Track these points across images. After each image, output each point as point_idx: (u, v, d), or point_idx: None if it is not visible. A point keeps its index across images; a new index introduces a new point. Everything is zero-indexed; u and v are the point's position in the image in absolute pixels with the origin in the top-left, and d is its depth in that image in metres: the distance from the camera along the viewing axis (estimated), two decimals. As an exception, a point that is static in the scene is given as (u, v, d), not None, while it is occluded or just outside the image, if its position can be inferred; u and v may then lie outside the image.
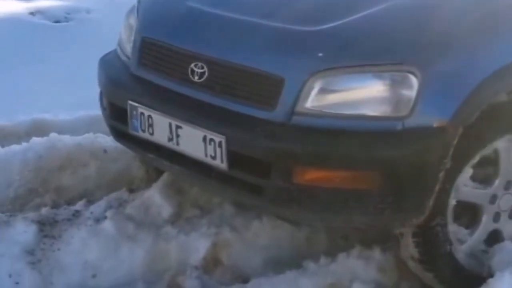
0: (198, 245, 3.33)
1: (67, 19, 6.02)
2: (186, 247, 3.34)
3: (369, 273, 3.15)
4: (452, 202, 2.99)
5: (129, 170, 3.86)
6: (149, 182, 3.77)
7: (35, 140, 3.91)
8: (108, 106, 3.41)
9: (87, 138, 3.92)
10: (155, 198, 3.56)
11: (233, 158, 2.94)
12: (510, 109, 3.00)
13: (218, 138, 2.94)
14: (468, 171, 2.99)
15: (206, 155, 2.99)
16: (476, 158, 2.98)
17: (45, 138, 3.92)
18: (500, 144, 3.00)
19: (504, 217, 3.12)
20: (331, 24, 2.96)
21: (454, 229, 3.04)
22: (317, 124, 2.84)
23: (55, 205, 3.68)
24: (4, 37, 5.54)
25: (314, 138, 2.83)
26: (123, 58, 3.43)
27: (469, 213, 3.10)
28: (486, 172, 3.05)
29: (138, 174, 3.85)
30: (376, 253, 3.21)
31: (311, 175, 2.83)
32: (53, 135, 3.95)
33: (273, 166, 2.85)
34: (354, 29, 2.95)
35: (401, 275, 3.16)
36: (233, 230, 3.40)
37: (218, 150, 2.95)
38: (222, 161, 2.96)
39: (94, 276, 3.25)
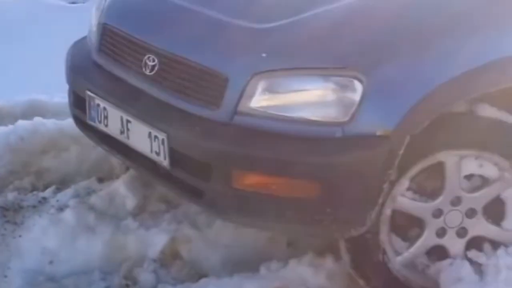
0: (157, 239, 3.25)
1: (84, 0, 6.04)
2: (145, 240, 3.26)
3: (317, 280, 3.01)
4: (387, 211, 2.80)
5: (108, 157, 3.79)
6: (126, 171, 3.71)
7: (20, 123, 3.90)
8: (70, 93, 3.35)
9: (70, 123, 3.86)
10: (121, 189, 3.49)
11: (175, 157, 2.82)
12: (463, 121, 2.79)
13: (161, 135, 2.83)
14: (405, 182, 2.78)
15: (151, 151, 2.90)
16: (416, 169, 2.77)
17: (29, 121, 3.90)
18: (445, 157, 2.79)
19: (451, 234, 2.90)
20: (277, 23, 2.80)
21: (387, 239, 2.85)
22: (258, 126, 2.69)
23: (34, 189, 3.68)
24: (20, 16, 5.58)
25: (253, 140, 2.68)
26: (89, 44, 3.35)
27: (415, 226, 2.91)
28: (429, 185, 2.84)
29: (117, 162, 3.79)
30: (328, 261, 3.06)
31: (250, 180, 2.68)
32: (37, 119, 3.93)
33: (212, 168, 2.72)
34: (300, 30, 2.78)
35: (351, 283, 3.00)
36: (194, 227, 3.30)
37: (161, 147, 2.84)
38: (165, 159, 2.85)
39: (51, 262, 3.21)
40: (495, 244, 2.95)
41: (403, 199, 2.82)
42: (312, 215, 2.67)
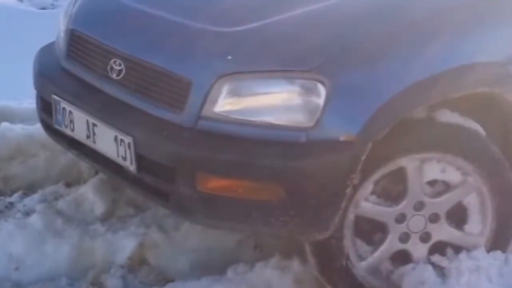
0: (125, 244, 3.24)
1: (53, 6, 6.01)
2: (112, 245, 3.25)
3: (284, 283, 3.00)
4: (350, 216, 2.81)
5: (77, 162, 3.78)
6: (95, 175, 3.69)
7: (-13, 129, 3.88)
8: (38, 98, 3.33)
9: (38, 128, 3.84)
10: (89, 194, 3.47)
11: (141, 161, 2.81)
12: (422, 127, 2.80)
13: (127, 138, 2.82)
14: (368, 186, 2.79)
15: (118, 156, 2.88)
16: (378, 174, 2.78)
17: (-4, 127, 3.88)
18: (406, 162, 2.79)
19: (414, 239, 2.91)
20: (244, 27, 2.80)
21: (351, 244, 2.85)
22: (222, 130, 2.68)
23: (0, 194, 3.65)
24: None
25: (217, 144, 2.68)
26: (57, 49, 3.34)
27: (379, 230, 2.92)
28: (393, 190, 2.85)
29: (86, 167, 3.77)
30: (295, 264, 3.05)
31: (214, 184, 2.68)
32: (4, 124, 3.90)
33: (177, 172, 2.71)
34: (265, 33, 2.78)
35: (319, 287, 2.99)
36: (162, 231, 3.29)
37: (127, 151, 2.83)
38: (131, 163, 2.84)
39: (17, 269, 3.18)
40: (458, 248, 2.97)
41: (366, 204, 2.82)
42: (277, 218, 2.67)
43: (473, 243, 2.97)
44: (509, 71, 2.89)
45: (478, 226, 2.97)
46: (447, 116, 2.84)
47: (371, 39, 2.74)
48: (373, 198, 2.83)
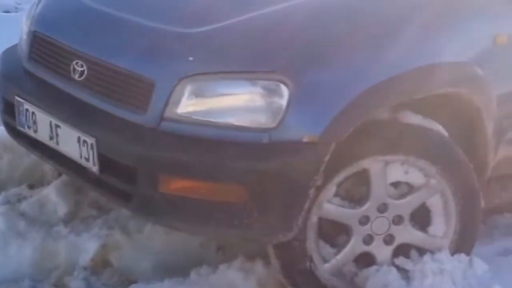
0: (88, 246, 3.20)
1: (17, 9, 5.93)
2: (75, 247, 3.21)
3: (247, 285, 2.98)
4: (314, 218, 2.78)
5: (40, 164, 3.73)
6: (58, 177, 3.65)
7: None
8: (0, 100, 3.28)
9: (1, 130, 3.78)
10: (52, 196, 3.43)
11: (104, 161, 2.78)
12: (385, 129, 2.79)
13: (90, 140, 2.79)
14: (331, 188, 2.77)
15: (81, 157, 2.85)
16: (341, 176, 2.77)
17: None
18: (369, 164, 2.78)
19: (378, 241, 2.89)
20: (206, 28, 2.79)
21: (314, 246, 2.83)
22: (185, 131, 2.66)
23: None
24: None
25: (179, 146, 2.65)
26: (20, 51, 3.30)
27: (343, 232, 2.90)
28: (357, 191, 2.84)
29: (49, 169, 3.73)
30: (258, 266, 3.03)
31: (177, 185, 2.65)
32: (-33, 126, 3.84)
33: (140, 173, 2.68)
34: (228, 34, 2.76)
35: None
36: (125, 233, 3.25)
37: (90, 152, 2.80)
38: (94, 164, 2.81)
39: (-20, 271, 3.15)
40: (422, 251, 2.96)
41: (330, 206, 2.80)
42: (240, 220, 2.64)
43: (437, 245, 2.97)
44: (474, 72, 2.90)
45: (441, 228, 2.97)
46: (410, 118, 2.83)
47: (334, 40, 2.73)
48: (336, 200, 2.81)
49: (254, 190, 2.61)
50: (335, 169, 2.72)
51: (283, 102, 2.61)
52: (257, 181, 2.60)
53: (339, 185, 2.79)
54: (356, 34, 2.75)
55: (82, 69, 2.91)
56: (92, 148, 2.78)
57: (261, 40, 2.74)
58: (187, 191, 2.65)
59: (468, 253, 3.01)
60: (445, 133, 2.90)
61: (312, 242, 2.82)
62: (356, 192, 2.84)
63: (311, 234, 2.81)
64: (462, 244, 3.00)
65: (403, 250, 2.96)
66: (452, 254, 2.97)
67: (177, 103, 2.68)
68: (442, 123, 2.93)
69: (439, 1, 2.93)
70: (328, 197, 2.78)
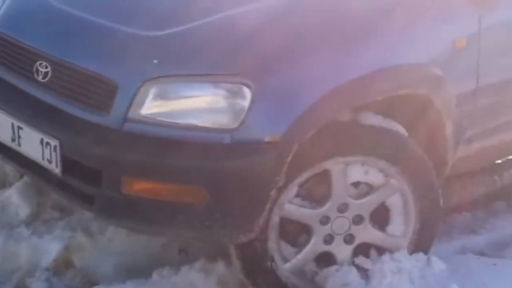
0: (50, 248, 3.18)
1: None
2: (37, 249, 3.19)
3: (209, 286, 2.98)
4: (275, 218, 2.80)
5: (2, 166, 3.69)
6: (20, 178, 3.61)
7: None
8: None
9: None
10: (14, 197, 3.40)
11: (67, 163, 2.76)
12: (346, 130, 2.81)
13: (53, 141, 2.77)
14: (293, 189, 2.79)
15: (43, 159, 2.83)
16: (303, 177, 2.78)
17: None
18: (331, 165, 2.81)
19: (338, 240, 2.92)
20: (170, 31, 2.78)
21: (276, 246, 2.84)
22: (149, 133, 2.65)
23: None
24: None
25: (141, 147, 2.64)
26: None
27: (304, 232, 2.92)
28: (317, 192, 2.86)
29: (11, 170, 3.69)
30: (220, 266, 3.03)
31: (140, 186, 2.65)
32: None
33: (103, 174, 2.67)
34: (192, 37, 2.77)
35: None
36: (87, 234, 3.24)
37: (53, 154, 2.78)
38: (56, 166, 2.79)
39: None
40: (381, 250, 2.99)
41: (291, 206, 2.81)
42: (202, 220, 2.65)
43: (395, 244, 3.00)
44: (434, 73, 2.94)
45: (400, 227, 3.00)
46: (371, 119, 2.86)
47: (296, 43, 2.74)
48: (297, 200, 2.83)
49: (215, 191, 2.62)
50: (296, 170, 2.73)
51: (246, 103, 2.62)
52: (219, 182, 2.61)
53: (301, 186, 2.81)
54: (319, 37, 2.77)
55: (46, 70, 2.89)
56: (55, 150, 2.77)
57: (224, 43, 2.75)
58: (149, 192, 2.65)
59: (426, 252, 3.04)
60: (405, 134, 2.94)
61: (273, 242, 2.83)
62: (317, 192, 2.86)
63: (273, 234, 2.82)
64: (421, 243, 3.03)
65: (363, 249, 2.99)
66: (411, 253, 3.00)
67: (141, 104, 2.68)
68: (402, 123, 2.96)
69: (399, 5, 2.97)
70: (289, 198, 2.80)
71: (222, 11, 2.84)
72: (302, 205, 2.84)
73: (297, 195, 2.82)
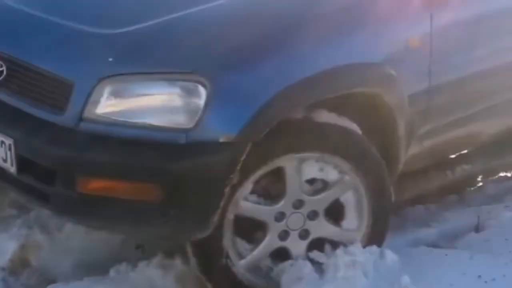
0: (7, 246, 3.14)
1: None
2: (-6, 247, 3.17)
3: (166, 282, 2.97)
4: (230, 216, 2.79)
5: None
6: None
7: None
8: None
9: None
10: (-31, 197, 3.37)
11: (22, 162, 2.72)
12: (300, 128, 2.81)
13: (7, 140, 2.73)
14: (248, 186, 2.78)
15: None
16: (258, 174, 2.77)
17: None
18: (285, 162, 2.80)
19: (293, 236, 2.92)
20: (125, 29, 2.75)
21: (231, 243, 2.84)
22: (104, 132, 2.62)
23: None
24: None
25: (97, 146, 2.62)
26: None
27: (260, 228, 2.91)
28: (272, 188, 2.85)
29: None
30: (177, 262, 3.01)
31: (94, 185, 2.62)
32: None
33: (58, 173, 2.64)
34: (148, 35, 2.74)
35: (200, 285, 2.97)
36: (45, 232, 3.20)
37: (8, 153, 2.74)
38: (12, 165, 2.75)
39: None
40: (335, 244, 3.00)
41: (246, 203, 2.80)
42: (157, 218, 2.62)
43: (350, 238, 3.00)
44: (387, 72, 2.95)
45: (354, 222, 3.01)
46: (325, 116, 2.85)
47: (252, 42, 2.72)
48: (252, 197, 2.81)
49: (170, 190, 2.59)
50: (251, 168, 2.72)
51: (201, 102, 2.60)
52: (173, 181, 2.59)
53: (256, 183, 2.80)
54: (272, 36, 2.75)
55: (0, 69, 2.85)
56: (9, 149, 2.73)
57: (180, 41, 2.72)
58: (105, 190, 2.62)
59: (379, 245, 3.06)
60: (359, 131, 2.94)
61: (228, 239, 2.82)
62: (272, 189, 2.85)
63: (228, 232, 2.81)
64: (374, 236, 3.05)
65: (318, 244, 2.99)
66: (364, 246, 3.01)
67: (96, 103, 2.64)
68: (357, 121, 2.97)
69: (353, 4, 2.97)
70: (244, 195, 2.78)
71: (178, 10, 2.81)
72: (257, 202, 2.83)
73: (252, 192, 2.82)
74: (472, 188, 4.02)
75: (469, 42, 3.27)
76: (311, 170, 2.87)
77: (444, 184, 3.71)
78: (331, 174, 2.90)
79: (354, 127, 2.94)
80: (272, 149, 2.75)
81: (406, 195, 3.45)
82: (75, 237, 3.20)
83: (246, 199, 2.80)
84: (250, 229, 2.89)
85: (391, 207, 3.08)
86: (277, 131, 2.69)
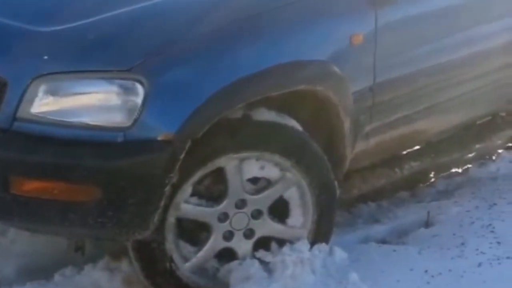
0: None
1: None
2: None
3: (113, 284, 2.86)
4: (171, 219, 2.68)
5: None
6: None
7: None
8: None
9: None
10: None
11: None
12: (238, 126, 2.71)
13: None
14: (188, 189, 2.67)
15: None
16: (197, 176, 2.67)
17: None
18: (224, 162, 2.69)
19: (238, 236, 2.81)
20: (62, 26, 2.63)
21: (174, 247, 2.73)
22: (39, 131, 2.50)
23: None
24: None
25: (32, 146, 2.49)
26: None
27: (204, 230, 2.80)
28: (214, 189, 2.75)
29: None
30: (124, 265, 2.90)
31: (29, 186, 2.50)
32: None
33: None
34: (85, 33, 2.62)
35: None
36: (-12, 236, 3.11)
37: None
38: None
39: None
40: (282, 242, 2.90)
41: (187, 206, 2.69)
42: (95, 219, 2.51)
43: (296, 235, 2.91)
44: (331, 70, 2.87)
45: (299, 219, 2.91)
46: (263, 115, 2.75)
47: (190, 39, 2.62)
48: (194, 199, 2.71)
49: (108, 190, 2.48)
50: (190, 170, 2.62)
51: (139, 100, 2.49)
52: (111, 180, 2.48)
53: (196, 185, 2.69)
54: (212, 33, 2.65)
55: None
56: None
57: (117, 39, 2.61)
58: (40, 192, 2.50)
59: (326, 241, 2.98)
60: (299, 128, 2.84)
61: (171, 243, 2.71)
62: (213, 190, 2.74)
63: (170, 235, 2.70)
64: (320, 232, 2.95)
65: (265, 242, 2.89)
66: (311, 243, 2.92)
67: (31, 102, 2.52)
68: (300, 118, 2.88)
69: (295, 2, 2.88)
70: (185, 198, 2.67)
71: (114, 8, 2.70)
72: (198, 204, 2.72)
73: (193, 194, 2.71)
74: (423, 185, 3.96)
75: (413, 40, 3.19)
76: (252, 169, 2.77)
77: (395, 181, 3.66)
78: (273, 172, 2.80)
79: (294, 124, 2.84)
80: (210, 150, 2.65)
81: (354, 192, 3.38)
82: (19, 240, 3.07)
83: (187, 201, 2.69)
84: (194, 231, 2.79)
85: (336, 202, 2.99)
86: (214, 132, 2.59)
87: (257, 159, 2.76)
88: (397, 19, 3.11)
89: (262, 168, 2.78)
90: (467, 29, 3.40)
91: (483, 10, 3.47)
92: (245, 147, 2.72)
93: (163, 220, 2.62)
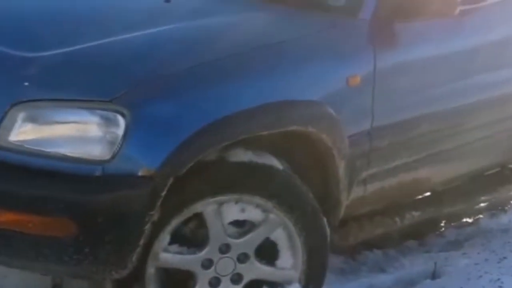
0: None
1: None
2: None
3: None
4: (151, 270, 2.54)
5: None
6: None
7: None
8: None
9: None
10: None
11: None
12: (213, 169, 2.57)
13: None
14: (165, 237, 2.53)
15: None
16: (174, 223, 2.53)
17: None
18: (202, 207, 2.56)
19: (225, 282, 2.65)
20: (45, 53, 2.56)
21: None
22: (16, 161, 2.40)
23: None
24: None
25: (6, 176, 2.39)
26: None
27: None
28: (195, 235, 2.62)
29: None
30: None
31: (3, 217, 2.38)
32: None
33: None
34: (69, 60, 2.55)
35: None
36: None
37: None
38: None
39: None
40: (273, 285, 2.76)
41: (167, 255, 2.55)
42: (70, 255, 2.38)
43: (286, 277, 2.76)
44: (325, 111, 2.76)
45: (289, 260, 2.76)
46: (240, 156, 2.62)
47: (176, 73, 2.53)
48: (174, 247, 2.57)
49: (84, 225, 2.36)
50: (166, 218, 2.49)
51: (119, 132, 2.38)
52: (88, 216, 2.36)
53: (175, 232, 2.56)
54: (199, 68, 2.56)
55: None
56: None
57: (100, 68, 2.53)
58: (14, 224, 2.38)
59: (319, 285, 2.84)
60: (280, 167, 2.70)
61: None
62: (194, 236, 2.61)
63: (151, 286, 2.57)
64: (311, 273, 2.81)
65: (256, 286, 2.75)
66: (304, 285, 2.79)
67: (9, 130, 2.42)
68: (292, 161, 2.76)
69: (291, 39, 2.81)
70: (163, 246, 2.54)
71: (100, 38, 2.63)
72: (179, 251, 2.58)
73: (173, 242, 2.57)
74: (433, 233, 3.83)
75: (415, 84, 3.08)
76: (232, 212, 2.62)
77: (398, 229, 3.50)
78: (255, 214, 2.66)
79: (274, 162, 2.70)
80: (185, 196, 2.52)
81: (350, 239, 3.22)
82: (11, 276, 2.91)
83: (166, 250, 2.55)
84: (178, 280, 2.65)
85: (327, 244, 2.83)
86: (189, 176, 2.46)
87: (236, 202, 2.61)
88: (398, 62, 3.01)
89: (242, 210, 2.64)
90: (474, 76, 3.27)
91: (492, 56, 3.35)
92: (222, 190, 2.58)
93: (143, 271, 2.50)
